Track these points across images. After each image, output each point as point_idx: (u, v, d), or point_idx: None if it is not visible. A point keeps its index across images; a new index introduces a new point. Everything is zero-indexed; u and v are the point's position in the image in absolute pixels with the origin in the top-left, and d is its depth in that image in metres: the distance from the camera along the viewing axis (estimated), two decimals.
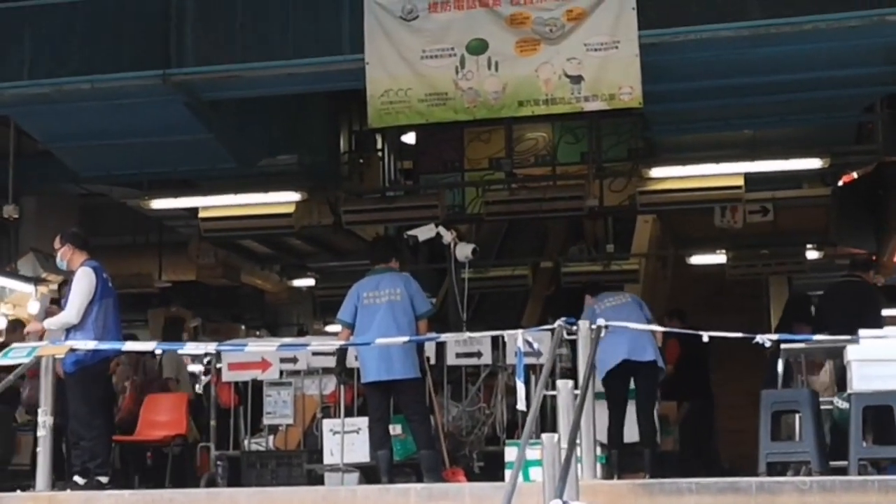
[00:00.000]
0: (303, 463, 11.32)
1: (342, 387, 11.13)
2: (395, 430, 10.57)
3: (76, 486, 9.65)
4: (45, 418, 9.14)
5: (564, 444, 6.72)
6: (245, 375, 11.74)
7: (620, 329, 9.51)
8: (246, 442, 11.83)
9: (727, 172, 14.24)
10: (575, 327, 8.44)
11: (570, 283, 18.83)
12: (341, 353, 10.33)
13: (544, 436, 6.67)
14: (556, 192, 15.22)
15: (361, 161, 16.77)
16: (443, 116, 10.75)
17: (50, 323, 10.07)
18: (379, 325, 9.87)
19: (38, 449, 9.20)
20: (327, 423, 11.19)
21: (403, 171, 17.84)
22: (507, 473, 9.85)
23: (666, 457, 11.80)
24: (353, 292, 10.21)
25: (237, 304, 22.80)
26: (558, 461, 6.54)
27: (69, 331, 9.79)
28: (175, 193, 15.19)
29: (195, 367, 21.83)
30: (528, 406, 8.29)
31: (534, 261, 19.92)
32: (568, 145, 16.81)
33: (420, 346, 10.13)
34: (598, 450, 8.87)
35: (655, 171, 14.55)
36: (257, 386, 11.84)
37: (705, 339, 8.40)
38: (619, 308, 10.82)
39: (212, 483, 11.42)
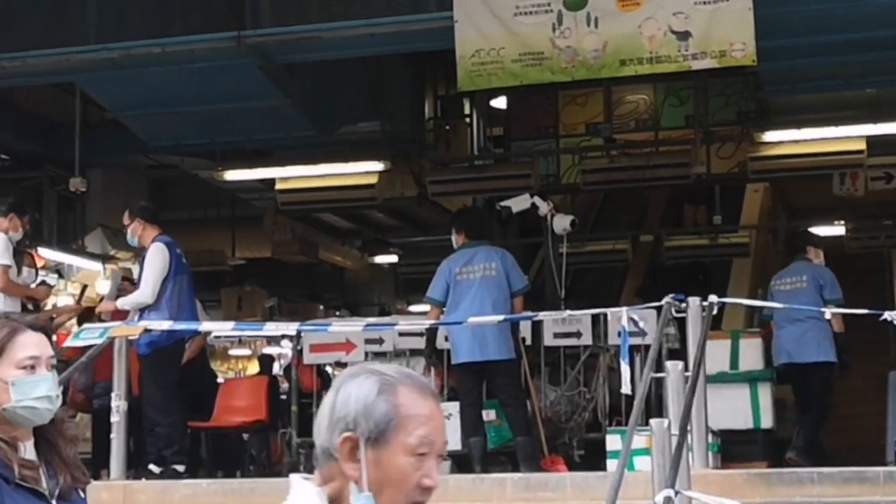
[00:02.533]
0: None
1: (431, 369, 11.17)
2: (489, 415, 10.59)
3: (151, 475, 9.79)
4: (118, 403, 9.28)
5: (675, 431, 6.69)
6: (328, 358, 11.83)
7: (787, 320, 9.43)
8: None
9: (847, 136, 14.07)
10: (684, 304, 8.38)
11: (673, 259, 18.74)
12: (431, 334, 10.37)
13: (653, 422, 6.65)
14: (659, 158, 15.12)
15: (448, 128, 16.78)
16: (538, 78, 10.70)
17: (123, 302, 10.19)
18: (472, 302, 9.88)
19: (112, 435, 9.34)
20: None
21: (493, 139, 17.81)
22: (610, 462, 9.84)
23: (784, 444, 11.70)
24: (445, 268, 10.22)
25: (315, 283, 22.94)
26: (668, 449, 6.51)
27: (142, 311, 9.91)
28: (249, 164, 15.31)
29: (273, 350, 22.14)
30: (632, 390, 8.28)
31: (634, 234, 19.82)
32: (672, 108, 16.69)
33: (515, 326, 10.13)
34: (710, 437, 8.82)
35: (768, 136, 14.40)
36: (341, 368, 11.92)
37: (828, 316, 8.31)
38: (793, 294, 10.74)
39: (293, 472, 11.50)
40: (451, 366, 10.33)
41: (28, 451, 3.31)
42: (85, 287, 13.57)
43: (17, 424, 3.30)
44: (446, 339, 10.51)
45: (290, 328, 10.46)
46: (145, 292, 9.86)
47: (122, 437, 9.30)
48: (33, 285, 11.32)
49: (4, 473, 3.21)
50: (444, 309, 10.11)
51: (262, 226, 18.53)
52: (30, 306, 11.14)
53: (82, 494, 3.39)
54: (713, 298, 8.34)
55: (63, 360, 11.01)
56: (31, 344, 3.37)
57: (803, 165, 14.53)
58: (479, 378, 10.05)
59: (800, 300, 10.39)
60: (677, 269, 18.24)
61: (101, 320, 10.52)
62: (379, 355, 11.79)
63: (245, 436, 12.90)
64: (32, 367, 3.35)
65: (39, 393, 3.32)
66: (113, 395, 9.37)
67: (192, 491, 8.98)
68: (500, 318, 9.57)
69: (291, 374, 12.22)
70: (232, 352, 24.93)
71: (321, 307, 22.51)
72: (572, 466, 10.63)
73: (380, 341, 11.67)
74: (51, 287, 11.77)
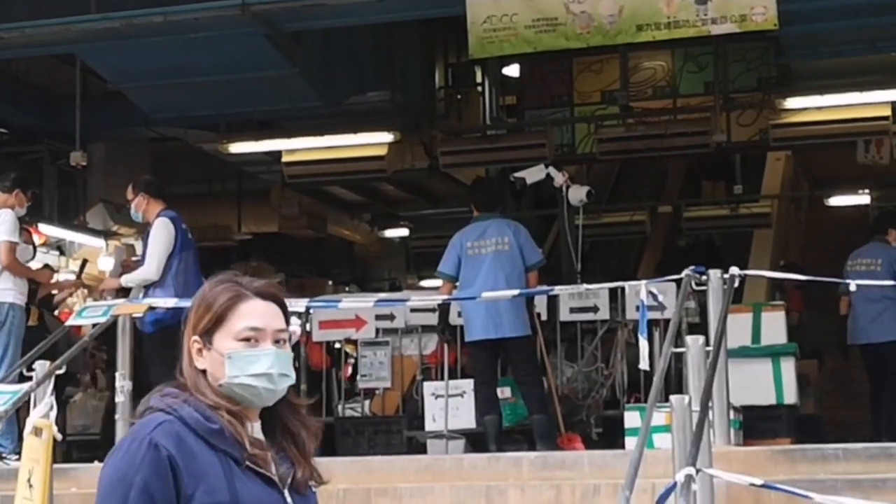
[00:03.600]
0: (402, 430, 11.41)
1: (445, 346, 11.19)
2: (504, 393, 10.61)
3: None
4: (123, 383, 9.29)
5: (696, 407, 6.69)
6: (338, 335, 11.86)
7: (863, 301, 9.47)
8: (340, 407, 11.95)
9: (872, 101, 14.03)
10: (704, 277, 8.37)
11: (692, 230, 18.74)
12: (444, 309, 10.38)
13: (674, 398, 6.63)
14: (677, 127, 15.11)
15: (459, 97, 16.78)
16: (552, 44, 10.68)
17: (128, 279, 10.20)
18: (485, 277, 9.89)
19: (116, 416, 9.37)
20: (428, 386, 11.25)
21: (506, 108, 17.80)
22: (628, 440, 9.84)
23: (806, 420, 11.72)
24: (456, 242, 10.23)
25: (323, 258, 22.96)
26: (689, 426, 6.51)
27: (147, 287, 9.92)
28: (255, 136, 15.32)
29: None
30: (651, 366, 8.27)
31: (651, 205, 19.80)
32: (690, 74, 16.65)
33: (530, 301, 10.14)
34: (732, 413, 8.83)
35: (790, 102, 14.36)
36: (351, 345, 11.95)
37: (853, 287, 8.31)
38: (868, 275, 10.83)
39: None
40: (465, 343, 10.34)
41: (255, 432, 3.05)
42: (85, 262, 13.60)
43: (238, 403, 3.02)
44: (459, 314, 10.53)
45: (299, 304, 10.45)
46: (150, 269, 9.86)
47: (126, 417, 9.32)
48: (33, 265, 11.34)
49: (234, 453, 2.95)
50: (457, 284, 10.13)
51: (269, 199, 18.54)
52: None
53: (314, 490, 3.17)
54: (734, 271, 8.32)
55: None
56: (255, 313, 3.04)
57: (826, 133, 14.50)
58: (494, 355, 10.07)
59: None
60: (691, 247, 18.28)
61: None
62: (390, 332, 11.82)
63: None
64: (255, 340, 3.03)
65: (257, 370, 3.01)
66: (117, 374, 9.40)
67: None
68: (515, 292, 9.57)
69: (300, 352, 12.24)
70: None
71: (330, 283, 22.54)
72: (590, 444, 10.65)
73: (391, 317, 11.69)
74: (54, 271, 11.82)
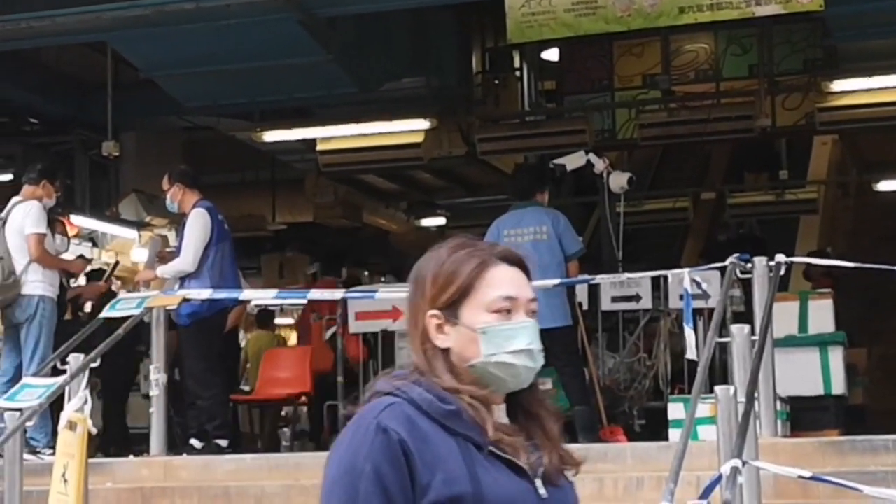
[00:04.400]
0: None
1: None
2: (545, 384, 10.64)
3: (193, 450, 9.89)
4: (157, 376, 9.37)
5: (741, 398, 6.69)
6: (374, 326, 11.89)
7: None
8: None
9: None
10: (749, 265, 8.36)
11: (736, 217, 18.70)
12: None
13: (719, 389, 6.64)
14: (721, 111, 15.06)
15: (497, 82, 16.77)
16: (592, 28, 10.68)
17: (163, 270, 10.26)
18: None
19: (151, 410, 9.44)
20: None
21: (545, 93, 17.79)
22: (672, 432, 9.85)
23: (854, 411, 11.69)
24: (493, 230, 10.25)
25: (359, 248, 23.01)
26: (734, 417, 6.51)
27: (183, 279, 9.99)
28: (289, 124, 15.37)
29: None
30: (696, 356, 8.27)
31: (694, 191, 19.76)
32: (734, 57, 16.59)
33: (571, 291, 10.14)
34: (778, 404, 8.82)
35: (837, 85, 14.31)
36: (388, 337, 11.99)
37: None
38: None
39: None
40: None
41: (501, 417, 2.69)
42: (116, 265, 13.66)
43: (488, 385, 2.67)
44: None
45: (336, 295, 10.52)
46: (187, 259, 9.91)
47: (161, 411, 9.40)
48: (67, 256, 11.42)
49: (476, 438, 2.59)
50: None
51: (303, 189, 18.59)
52: (64, 280, 11.27)
53: (570, 480, 2.78)
54: (780, 258, 8.31)
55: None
56: (506, 281, 2.72)
57: (874, 115, 14.43)
58: None
59: None
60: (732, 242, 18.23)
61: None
62: None
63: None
64: (508, 312, 2.70)
65: (517, 346, 2.68)
66: (152, 367, 9.47)
67: (235, 466, 9.08)
68: (554, 282, 9.57)
69: (337, 344, 12.29)
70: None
71: (366, 273, 22.59)
72: (632, 436, 10.66)
73: None
74: (88, 261, 11.87)
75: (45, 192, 10.32)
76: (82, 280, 12.90)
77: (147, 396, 12.94)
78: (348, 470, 2.57)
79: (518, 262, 2.76)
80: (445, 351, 2.69)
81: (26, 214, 10.09)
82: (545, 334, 8.92)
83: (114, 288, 13.36)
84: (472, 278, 2.71)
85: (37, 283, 10.05)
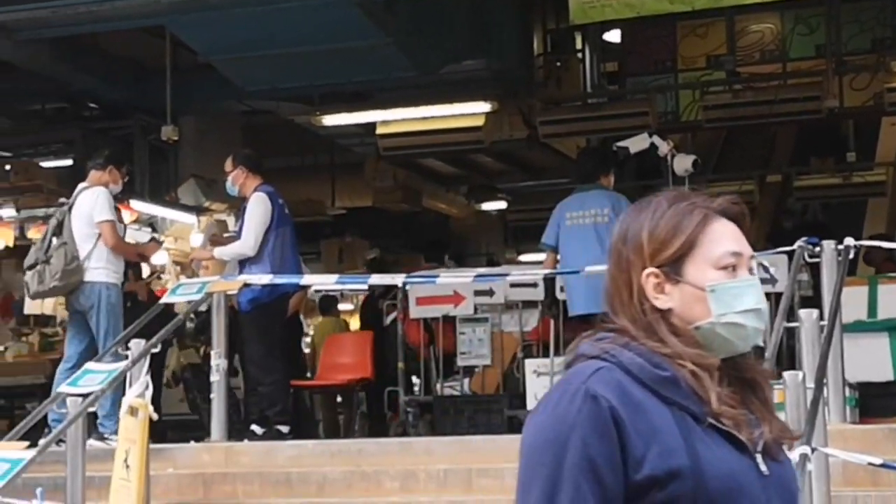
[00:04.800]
0: (503, 409, 11.46)
1: (551, 321, 11.15)
2: None
3: (254, 436, 9.95)
4: (218, 361, 9.42)
5: (810, 384, 6.66)
6: (435, 311, 11.92)
7: None
8: (438, 386, 12.02)
9: None
10: (818, 248, 8.30)
11: (803, 200, 18.56)
12: (550, 283, 10.38)
13: (787, 374, 6.60)
14: (787, 92, 14.97)
15: (559, 64, 16.73)
16: (656, 8, 10.66)
17: (222, 252, 10.29)
18: (584, 250, 9.89)
19: (212, 395, 9.50)
20: (530, 364, 11.29)
21: (607, 75, 17.72)
22: None
23: None
24: (557, 212, 10.28)
25: (419, 232, 23.05)
26: (803, 403, 6.48)
27: (243, 264, 10.03)
28: (349, 108, 15.40)
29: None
30: (763, 341, 8.22)
31: (760, 174, 19.63)
32: (801, 37, 16.46)
33: None
34: (847, 390, 8.76)
35: None
36: (449, 323, 12.01)
37: None
38: None
39: (402, 431, 11.66)
40: (568, 317, 10.35)
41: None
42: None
43: (710, 349, 2.45)
44: (562, 289, 10.53)
45: (396, 280, 10.54)
46: (248, 243, 9.94)
47: (222, 396, 9.46)
48: (141, 241, 11.49)
49: (694, 409, 2.37)
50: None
51: (363, 173, 18.63)
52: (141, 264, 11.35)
53: (788, 454, 2.53)
54: (849, 241, 8.25)
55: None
56: (729, 236, 2.49)
57: None
58: None
59: None
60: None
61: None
62: (489, 308, 11.85)
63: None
64: (733, 268, 2.48)
65: (746, 304, 2.46)
66: (213, 353, 9.53)
67: (297, 452, 9.12)
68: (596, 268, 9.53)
69: (397, 330, 12.32)
70: None
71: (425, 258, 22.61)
72: None
73: (490, 293, 11.73)
74: (160, 243, 11.92)
75: (111, 178, 10.40)
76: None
77: (168, 385, 13.10)
78: (551, 440, 2.32)
79: (736, 217, 2.53)
80: (665, 312, 2.47)
81: (94, 201, 10.16)
82: (598, 317, 8.88)
83: (172, 274, 13.46)
84: (697, 232, 2.47)
85: (100, 270, 10.11)
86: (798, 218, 19.16)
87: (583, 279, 9.75)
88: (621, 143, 11.57)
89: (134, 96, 15.65)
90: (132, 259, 11.09)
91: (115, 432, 9.03)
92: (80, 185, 10.45)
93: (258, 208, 10.01)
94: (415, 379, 12.36)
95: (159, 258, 12.48)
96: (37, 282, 10.16)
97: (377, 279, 10.53)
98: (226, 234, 12.02)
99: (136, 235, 14.13)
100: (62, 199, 11.46)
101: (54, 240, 10.19)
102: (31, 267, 10.22)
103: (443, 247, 16.06)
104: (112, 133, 16.37)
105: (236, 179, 10.26)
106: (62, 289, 10.13)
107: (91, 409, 7.90)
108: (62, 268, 10.01)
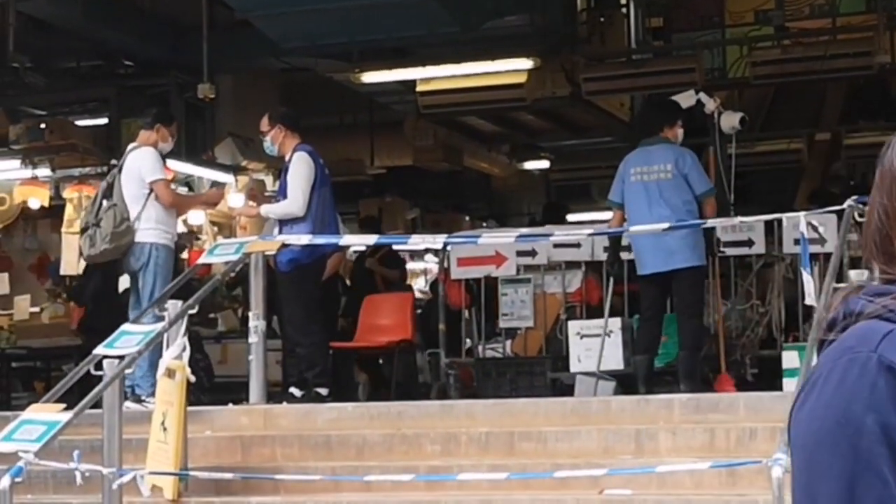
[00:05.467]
0: (546, 371, 11.46)
1: (609, 280, 11.07)
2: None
3: (293, 399, 9.99)
4: (256, 322, 9.46)
5: None
6: (477, 272, 11.92)
7: None
8: (480, 348, 12.03)
9: None
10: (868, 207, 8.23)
11: (853, 159, 18.44)
12: (615, 241, 10.31)
13: None
14: (837, 47, 14.84)
15: (602, 19, 16.61)
16: None
17: (269, 209, 10.28)
18: (650, 207, 9.82)
19: (250, 357, 9.54)
20: (573, 326, 11.28)
21: (652, 30, 17.61)
22: (786, 382, 9.79)
23: None
24: (622, 168, 10.22)
25: (460, 192, 23.03)
26: None
27: (282, 224, 10.04)
28: (389, 65, 15.36)
29: (417, 265, 22.25)
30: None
31: (809, 132, 19.50)
32: None
33: (710, 229, 10.00)
34: None
35: None
36: (491, 284, 12.01)
37: None
38: None
39: (443, 394, 11.68)
40: (636, 277, 10.26)
41: None
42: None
43: None
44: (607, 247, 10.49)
45: (437, 241, 10.53)
46: (297, 202, 9.91)
47: (260, 358, 9.49)
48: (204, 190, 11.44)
49: None
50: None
51: (403, 131, 18.59)
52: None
53: None
54: None
55: (197, 279, 11.27)
56: None
57: None
58: (664, 291, 9.97)
59: None
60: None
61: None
62: (532, 268, 11.85)
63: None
64: None
65: None
66: (251, 314, 9.56)
67: (336, 415, 9.15)
68: (664, 226, 9.48)
69: (438, 291, 12.33)
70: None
71: (467, 218, 22.58)
72: (745, 386, 10.59)
73: (532, 253, 11.72)
74: (223, 185, 11.86)
75: (160, 137, 10.44)
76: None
77: None
78: (840, 422, 1.80)
79: None
80: None
81: (143, 161, 10.21)
82: (675, 274, 8.85)
83: (209, 234, 13.50)
84: None
85: (150, 231, 10.16)
86: (845, 182, 19.04)
87: (651, 237, 9.67)
88: (644, 104, 11.51)
89: (170, 54, 15.65)
90: (200, 209, 11.11)
91: (152, 394, 9.10)
92: (130, 146, 10.52)
93: (302, 167, 9.99)
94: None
95: (236, 201, 12.32)
96: (88, 245, 10.23)
97: (418, 239, 10.52)
98: (266, 193, 11.99)
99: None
100: (113, 161, 11.51)
101: (104, 202, 10.26)
102: (84, 231, 10.29)
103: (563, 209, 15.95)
104: (148, 91, 16.38)
105: (275, 139, 10.24)
106: (113, 251, 10.18)
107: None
108: (112, 230, 10.06)
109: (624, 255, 10.65)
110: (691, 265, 9.76)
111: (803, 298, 8.20)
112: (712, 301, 10.93)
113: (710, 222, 9.74)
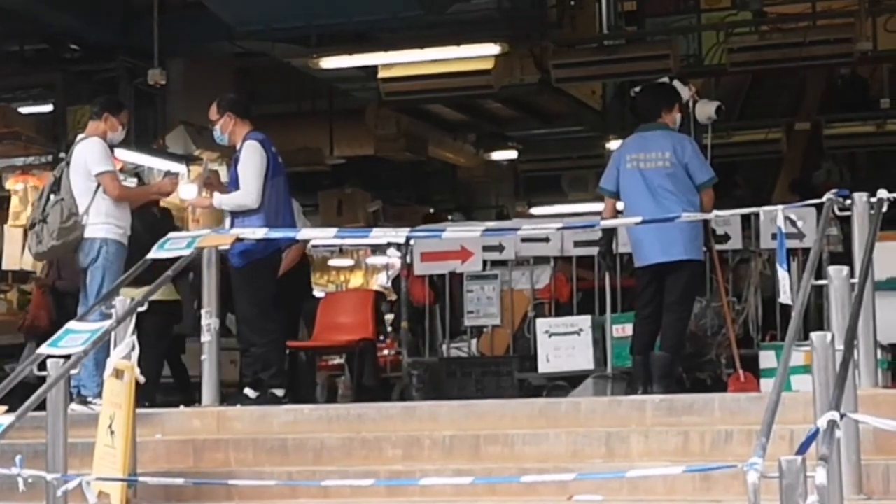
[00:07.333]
0: (513, 371, 11.48)
1: (606, 272, 11.00)
2: (625, 330, 10.62)
3: (248, 401, 9.96)
4: (209, 321, 9.42)
5: (839, 346, 6.65)
6: (442, 267, 11.92)
7: None
8: (444, 347, 12.03)
9: None
10: (848, 201, 8.27)
11: (834, 150, 18.55)
12: (608, 232, 10.19)
13: (814, 336, 6.59)
14: (817, 33, 14.93)
15: (573, 3, 16.64)
16: None
17: (222, 200, 10.23)
18: (649, 196, 9.72)
19: (203, 357, 9.50)
20: (541, 324, 11.29)
21: (625, 14, 17.65)
22: (764, 382, 9.82)
23: None
24: (616, 154, 10.12)
25: (424, 183, 23.04)
26: (832, 366, 6.48)
27: (234, 217, 10.01)
28: (349, 50, 15.33)
29: (378, 259, 22.25)
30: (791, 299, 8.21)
31: (788, 121, 19.60)
32: None
33: (706, 221, 9.94)
34: (879, 352, 8.76)
35: None
36: (457, 280, 12.01)
37: None
38: None
39: (406, 395, 11.68)
40: (634, 268, 10.13)
41: None
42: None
43: None
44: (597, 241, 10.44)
45: (399, 235, 10.51)
46: (251, 194, 9.87)
47: (214, 358, 9.46)
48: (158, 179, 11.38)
49: None
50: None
51: (364, 120, 18.59)
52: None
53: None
54: (882, 193, 8.21)
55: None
56: None
57: None
58: (663, 286, 9.82)
59: None
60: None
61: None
62: (499, 264, 11.85)
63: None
64: None
65: None
66: (203, 312, 9.53)
67: (293, 418, 9.12)
68: (636, 220, 9.44)
69: (401, 287, 12.32)
70: (332, 262, 25.19)
71: (431, 210, 22.60)
72: (719, 386, 10.63)
73: (500, 248, 11.73)
74: (176, 175, 11.83)
75: (108, 126, 10.38)
76: None
77: None
78: None
79: None
80: None
81: (89, 153, 10.16)
82: (667, 267, 8.77)
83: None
84: None
85: (99, 226, 10.10)
86: (821, 175, 19.13)
87: (653, 227, 9.56)
88: (640, 88, 11.50)
89: (119, 37, 15.59)
90: (152, 201, 11.08)
91: (98, 395, 9.05)
92: (79, 137, 10.46)
93: (253, 157, 9.96)
94: None
95: (188, 193, 12.31)
96: (35, 242, 10.17)
97: (378, 233, 10.50)
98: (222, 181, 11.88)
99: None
100: (62, 154, 11.46)
101: (52, 197, 10.19)
102: (31, 227, 10.23)
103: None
104: (95, 77, 16.31)
105: (225, 127, 10.20)
106: (61, 248, 10.12)
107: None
108: (59, 225, 10.00)
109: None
110: (691, 258, 9.68)
111: (780, 296, 8.20)
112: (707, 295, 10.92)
113: (684, 217, 9.69)
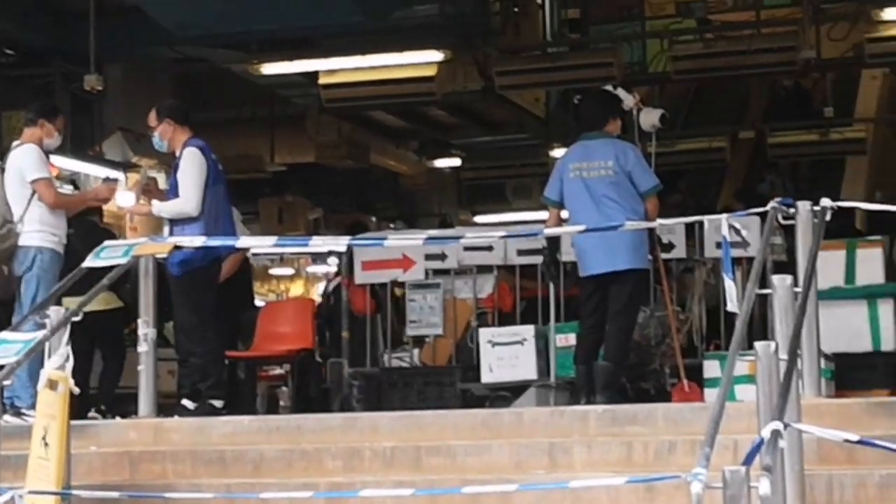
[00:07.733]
0: (455, 381, 11.47)
1: (551, 284, 11.00)
2: (568, 340, 10.63)
3: (185, 412, 9.91)
4: (147, 330, 9.37)
5: (783, 355, 6.68)
6: (383, 276, 11.90)
7: None
8: (386, 357, 12.01)
9: None
10: (792, 210, 8.32)
11: (778, 158, 18.66)
12: (553, 241, 10.18)
13: (758, 345, 6.61)
14: (761, 42, 15.01)
15: (517, 10, 16.69)
16: None
17: (161, 208, 10.19)
18: (593, 205, 9.73)
19: (140, 367, 9.45)
20: (484, 333, 11.29)
21: (569, 22, 17.71)
22: (708, 392, 9.85)
23: None
24: (559, 164, 10.13)
25: (366, 191, 23.01)
26: (776, 376, 6.50)
27: (173, 225, 9.97)
28: (290, 56, 15.32)
29: (319, 268, 22.18)
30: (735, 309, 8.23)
31: (732, 130, 19.71)
32: None
33: (651, 230, 9.95)
34: (823, 362, 8.80)
35: (888, 13, 14.20)
36: (398, 289, 12.00)
37: None
38: None
39: (346, 406, 11.64)
40: (579, 278, 10.13)
41: None
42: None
43: None
44: (547, 249, 10.44)
45: (340, 243, 10.49)
46: (190, 201, 9.84)
47: (150, 369, 9.41)
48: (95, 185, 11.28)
49: None
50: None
51: (305, 126, 18.57)
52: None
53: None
54: (826, 202, 8.26)
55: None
56: None
57: None
58: (607, 295, 9.82)
59: None
60: None
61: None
62: (441, 273, 11.83)
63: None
64: None
65: None
66: (140, 321, 9.47)
67: (231, 429, 9.08)
68: (579, 228, 9.46)
69: (341, 296, 12.29)
70: (273, 271, 25.12)
71: (373, 218, 22.58)
72: (663, 396, 10.66)
73: (442, 257, 11.72)
74: (114, 181, 11.74)
75: (44, 133, 10.32)
76: None
77: None
78: None
79: None
80: None
81: (24, 159, 10.10)
82: (611, 277, 8.79)
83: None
84: None
85: (33, 234, 10.03)
86: (768, 185, 19.25)
87: (597, 236, 9.56)
88: (582, 97, 11.54)
89: (54, 41, 15.46)
90: (90, 207, 11.01)
91: (33, 406, 8.97)
92: (14, 143, 10.39)
93: (192, 164, 9.93)
94: None
95: (125, 200, 12.21)
96: None
97: (318, 242, 10.49)
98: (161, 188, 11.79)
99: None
100: None
101: None
102: None
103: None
104: (30, 82, 16.18)
105: (164, 134, 10.18)
106: None
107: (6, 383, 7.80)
108: None
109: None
110: (635, 267, 9.70)
111: (725, 305, 8.23)
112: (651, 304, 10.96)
113: (628, 225, 9.70)
